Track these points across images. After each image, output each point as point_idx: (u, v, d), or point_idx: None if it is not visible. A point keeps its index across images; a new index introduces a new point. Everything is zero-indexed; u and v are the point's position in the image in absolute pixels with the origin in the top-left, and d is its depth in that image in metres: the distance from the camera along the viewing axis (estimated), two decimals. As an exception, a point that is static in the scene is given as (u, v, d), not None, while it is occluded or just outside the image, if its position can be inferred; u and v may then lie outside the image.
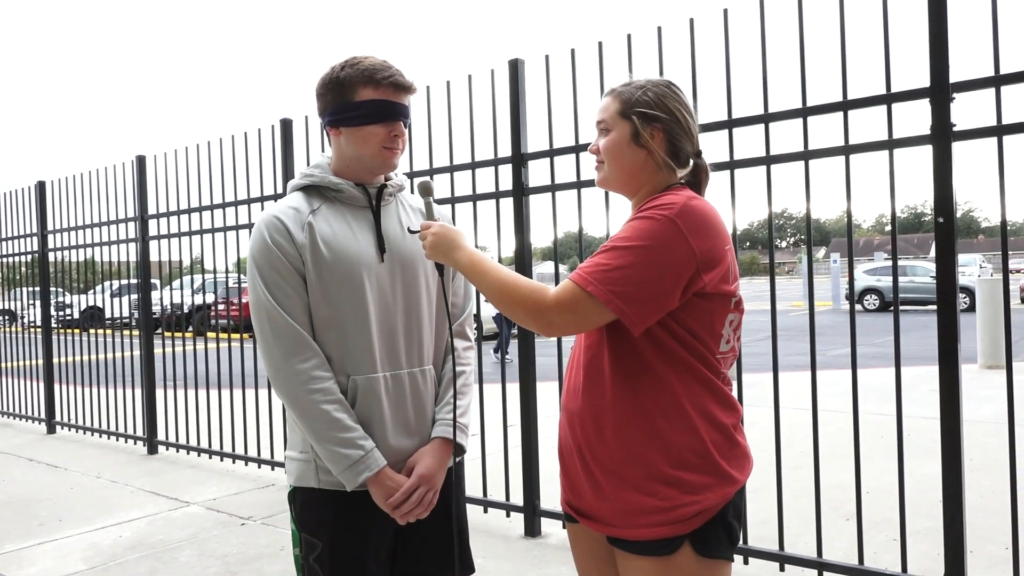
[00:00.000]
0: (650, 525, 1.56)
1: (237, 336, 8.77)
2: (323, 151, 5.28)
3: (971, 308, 18.49)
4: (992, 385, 8.49)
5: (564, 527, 4.18)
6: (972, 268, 25.86)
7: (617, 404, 1.59)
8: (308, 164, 5.51)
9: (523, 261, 4.18)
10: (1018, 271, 39.05)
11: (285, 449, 1.90)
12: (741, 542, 3.49)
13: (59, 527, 4.55)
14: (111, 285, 7.60)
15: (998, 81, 2.83)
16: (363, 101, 1.77)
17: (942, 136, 2.92)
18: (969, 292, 19.68)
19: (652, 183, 1.68)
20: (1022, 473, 2.90)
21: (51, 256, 7.74)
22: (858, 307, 22.79)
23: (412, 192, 2.29)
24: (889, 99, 3.05)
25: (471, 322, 2.04)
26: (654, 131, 1.65)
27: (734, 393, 1.72)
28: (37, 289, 7.95)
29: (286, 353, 1.72)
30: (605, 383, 1.62)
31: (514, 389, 4.23)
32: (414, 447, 1.85)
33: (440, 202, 4.32)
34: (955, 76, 2.91)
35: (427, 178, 1.86)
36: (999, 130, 2.85)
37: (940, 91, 2.92)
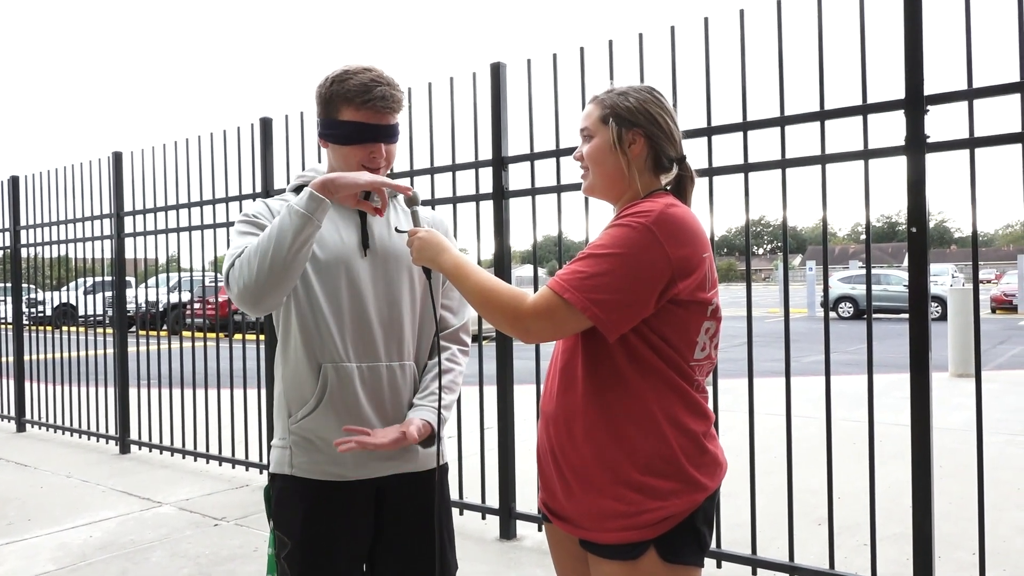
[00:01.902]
0: (616, 529, 1.58)
1: (212, 335, 8.70)
2: (303, 150, 5.26)
3: (943, 317, 18.77)
4: (962, 393, 8.62)
5: (540, 528, 4.21)
6: (944, 278, 26.30)
7: (587, 408, 1.61)
8: (287, 163, 5.48)
9: (502, 264, 4.19)
10: (988, 281, 39.71)
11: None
12: (714, 546, 3.52)
13: (28, 527, 4.49)
14: (84, 282, 7.49)
15: (971, 95, 2.89)
16: (343, 121, 1.80)
17: (916, 147, 2.97)
18: (941, 301, 19.99)
19: (635, 189, 1.69)
20: (990, 480, 2.95)
21: (24, 252, 7.64)
22: (832, 315, 23.05)
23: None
24: (865, 110, 3.10)
25: (467, 330, 2.06)
26: (635, 136, 1.67)
27: (710, 400, 1.74)
28: (9, 285, 7.83)
29: (226, 273, 1.72)
30: (577, 387, 1.63)
31: (491, 391, 4.24)
32: None
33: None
34: (929, 89, 2.97)
35: (414, 189, 1.89)
36: (971, 142, 2.90)
37: (915, 103, 2.97)
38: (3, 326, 7.96)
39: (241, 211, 5.37)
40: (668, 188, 1.73)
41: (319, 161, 4.98)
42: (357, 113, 1.79)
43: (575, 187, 3.88)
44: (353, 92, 1.78)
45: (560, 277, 1.56)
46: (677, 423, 1.59)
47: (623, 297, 1.52)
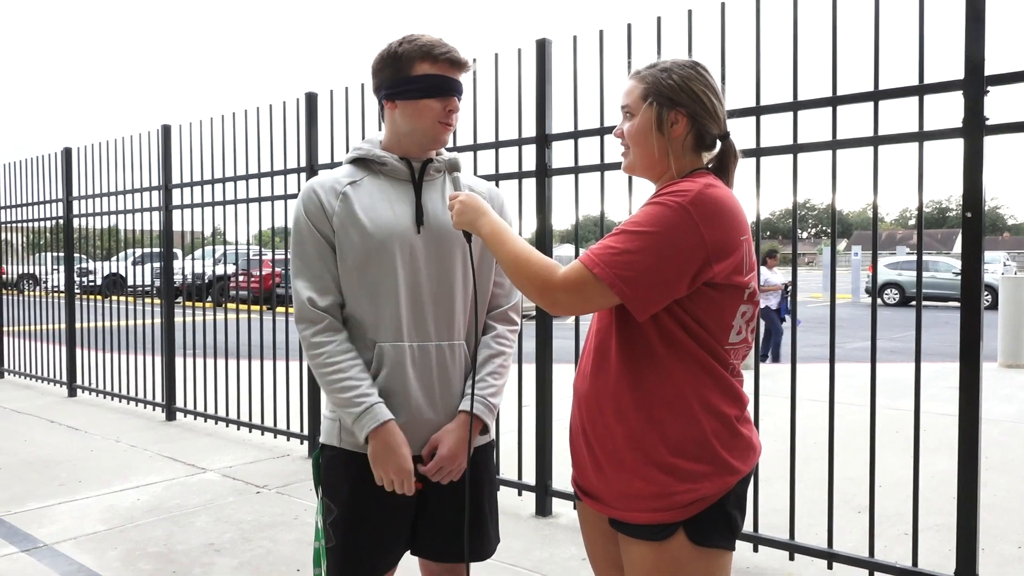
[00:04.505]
0: (646, 510, 1.57)
1: (256, 308, 8.86)
2: (347, 125, 5.28)
3: (993, 306, 18.28)
4: (1012, 384, 8.40)
5: (576, 506, 4.22)
6: (996, 266, 25.55)
7: (620, 389, 1.60)
8: (332, 138, 5.50)
9: (544, 242, 4.18)
10: (1043, 270, 38.48)
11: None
12: (751, 529, 3.50)
13: (78, 488, 4.64)
14: (133, 253, 7.65)
15: (1034, 75, 2.78)
16: (421, 75, 1.80)
17: (974, 130, 2.87)
18: (992, 290, 19.44)
19: (676, 168, 1.66)
20: (1039, 473, 2.88)
21: (75, 222, 7.83)
22: (878, 301, 22.59)
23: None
24: (922, 90, 3.00)
25: (517, 309, 2.04)
26: (678, 115, 1.64)
27: (748, 383, 1.71)
28: (61, 254, 8.05)
29: (297, 319, 1.84)
30: (611, 367, 1.62)
31: (530, 370, 4.25)
32: (438, 421, 1.86)
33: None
34: (990, 69, 2.86)
35: (454, 155, 1.89)
36: (1033, 125, 2.80)
37: (975, 83, 2.87)
38: (56, 294, 8.19)
39: (285, 187, 5.48)
40: (710, 166, 1.70)
41: (363, 136, 5.02)
42: (434, 66, 1.79)
43: (619, 166, 3.84)
44: (428, 47, 1.79)
45: (592, 251, 1.55)
46: (710, 406, 1.58)
47: (652, 276, 1.50)
